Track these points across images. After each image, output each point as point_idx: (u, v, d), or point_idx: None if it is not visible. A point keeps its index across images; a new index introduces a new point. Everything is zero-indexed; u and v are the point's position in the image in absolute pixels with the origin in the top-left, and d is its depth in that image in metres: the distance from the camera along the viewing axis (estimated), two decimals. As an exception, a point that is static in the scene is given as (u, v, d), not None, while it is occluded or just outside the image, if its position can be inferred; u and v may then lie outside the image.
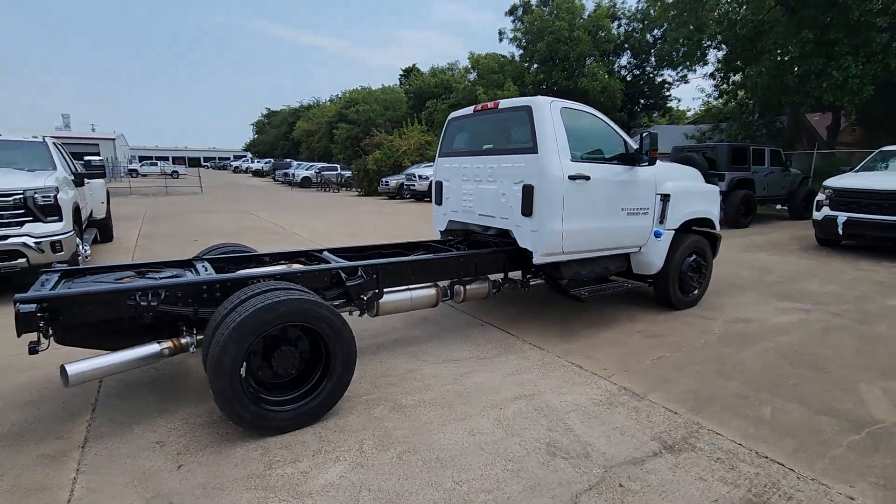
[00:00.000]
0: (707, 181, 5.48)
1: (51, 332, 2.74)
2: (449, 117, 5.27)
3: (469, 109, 4.94)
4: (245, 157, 76.36)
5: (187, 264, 3.79)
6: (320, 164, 36.34)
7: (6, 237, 5.38)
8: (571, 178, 4.05)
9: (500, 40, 30.84)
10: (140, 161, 59.40)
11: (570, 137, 4.20)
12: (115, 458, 2.55)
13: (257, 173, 52.16)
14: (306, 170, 35.55)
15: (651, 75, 32.04)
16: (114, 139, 50.76)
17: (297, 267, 3.77)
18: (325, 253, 4.19)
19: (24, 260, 5.45)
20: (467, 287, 4.28)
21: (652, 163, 4.45)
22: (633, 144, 4.60)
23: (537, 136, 4.04)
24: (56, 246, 5.70)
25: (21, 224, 5.52)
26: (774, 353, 3.97)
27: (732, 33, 16.50)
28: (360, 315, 3.82)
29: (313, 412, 2.86)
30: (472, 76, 32.18)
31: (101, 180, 10.30)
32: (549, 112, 4.07)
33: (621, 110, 28.91)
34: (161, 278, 3.27)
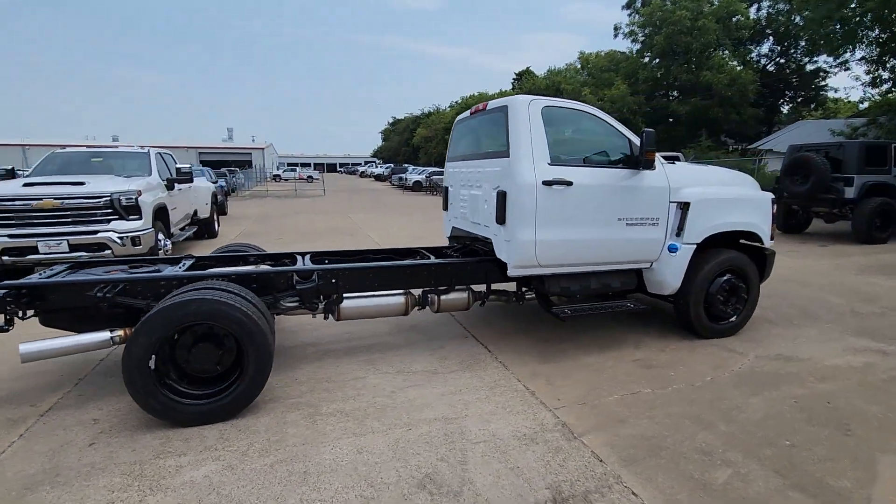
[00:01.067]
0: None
1: (29, 314, 3.23)
2: (455, 120, 5.11)
3: (468, 112, 4.74)
4: (373, 162, 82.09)
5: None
6: (431, 169, 37.62)
7: (96, 232, 6.46)
8: (546, 183, 3.67)
9: (616, 35, 29.07)
10: (284, 167, 67.03)
11: (555, 139, 3.82)
12: (54, 429, 2.91)
13: (378, 178, 55.70)
14: (418, 174, 37.08)
15: (800, 63, 27.70)
16: (263, 148, 58.11)
17: (262, 268, 3.95)
18: (306, 257, 4.32)
19: (110, 251, 6.49)
20: (441, 297, 4.10)
21: (648, 165, 3.83)
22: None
23: (510, 138, 3.74)
24: (135, 240, 6.68)
25: (108, 221, 6.58)
26: (794, 404, 3.17)
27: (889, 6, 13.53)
28: (324, 318, 3.88)
29: (225, 409, 2.97)
30: (584, 76, 30.79)
31: (209, 184, 11.86)
32: (525, 112, 3.73)
33: (756, 105, 25.39)
34: (141, 273, 3.66)
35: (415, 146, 64.12)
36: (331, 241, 10.23)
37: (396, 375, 3.66)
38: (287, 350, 4.17)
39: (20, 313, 3.18)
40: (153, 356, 2.82)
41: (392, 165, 57.26)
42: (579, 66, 30.80)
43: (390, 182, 44.76)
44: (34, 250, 6.25)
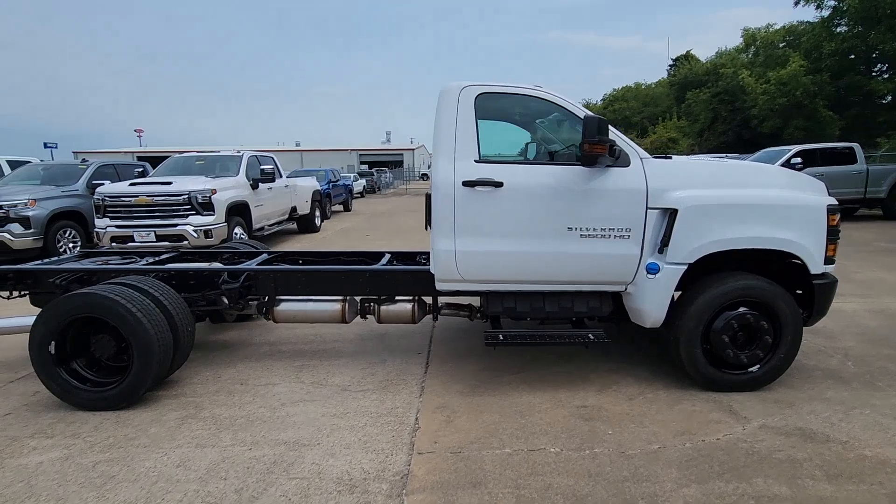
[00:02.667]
0: None
1: (22, 292, 3.80)
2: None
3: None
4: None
5: (213, 255, 4.63)
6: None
7: (176, 225, 7.48)
8: (468, 184, 3.11)
9: (796, 4, 24.16)
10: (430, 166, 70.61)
11: (492, 132, 3.23)
12: (4, 395, 3.38)
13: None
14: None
15: None
16: (414, 149, 61.90)
17: (214, 265, 4.07)
18: (259, 257, 4.38)
19: (186, 242, 7.46)
20: (382, 307, 3.77)
21: (588, 161, 2.96)
22: (623, 142, 3.17)
23: (434, 131, 3.25)
24: (208, 233, 7.58)
25: (186, 216, 7.56)
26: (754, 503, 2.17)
27: None
28: (265, 319, 3.88)
29: (109, 400, 3.11)
30: (749, 55, 26.25)
31: (312, 184, 12.93)
32: (454, 101, 3.21)
33: None
34: (111, 265, 4.08)
35: (560, 143, 62.09)
36: (414, 239, 10.19)
37: (307, 387, 3.46)
38: (240, 347, 4.27)
39: (7, 294, 3.75)
40: (52, 342, 3.09)
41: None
42: (743, 44, 26.23)
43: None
44: (132, 239, 7.48)
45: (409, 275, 3.73)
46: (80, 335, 3.22)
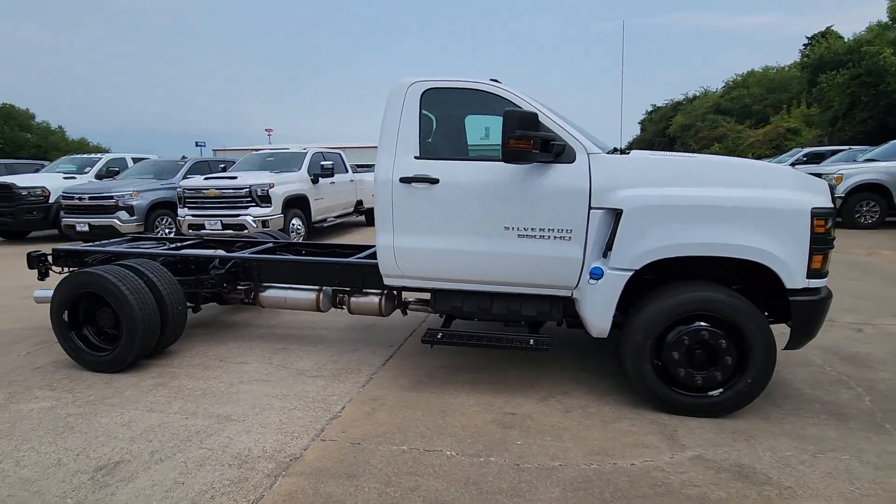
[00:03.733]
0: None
1: (59, 269, 4.54)
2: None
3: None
4: (626, 154, 76.85)
5: (229, 244, 5.16)
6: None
7: (238, 215, 8.32)
8: (405, 180, 3.12)
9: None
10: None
11: (436, 128, 3.20)
12: (43, 345, 4.10)
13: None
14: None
15: None
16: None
17: (218, 252, 4.50)
18: (261, 246, 4.74)
19: (247, 231, 8.28)
20: (351, 298, 3.92)
21: (510, 158, 2.76)
22: (570, 136, 2.97)
23: (380, 128, 3.29)
24: (265, 223, 8.34)
25: (247, 207, 8.37)
26: (612, 541, 1.95)
27: None
28: (252, 303, 4.23)
29: (106, 364, 3.61)
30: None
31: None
32: (401, 97, 3.23)
33: None
34: (135, 248, 4.70)
35: (670, 136, 57.44)
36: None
37: (272, 368, 3.73)
38: (240, 327, 4.70)
39: (60, 269, 4.50)
40: (66, 311, 3.67)
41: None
42: (888, 18, 22.05)
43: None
44: (203, 226, 8.47)
45: (373, 268, 3.81)
46: (91, 306, 3.79)
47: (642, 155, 3.06)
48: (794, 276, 2.65)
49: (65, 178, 11.25)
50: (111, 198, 9.27)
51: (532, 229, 2.97)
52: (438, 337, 3.22)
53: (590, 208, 2.88)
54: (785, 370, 3.42)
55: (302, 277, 3.99)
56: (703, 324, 2.76)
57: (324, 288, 4.00)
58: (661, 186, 2.80)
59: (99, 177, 11.40)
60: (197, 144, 34.15)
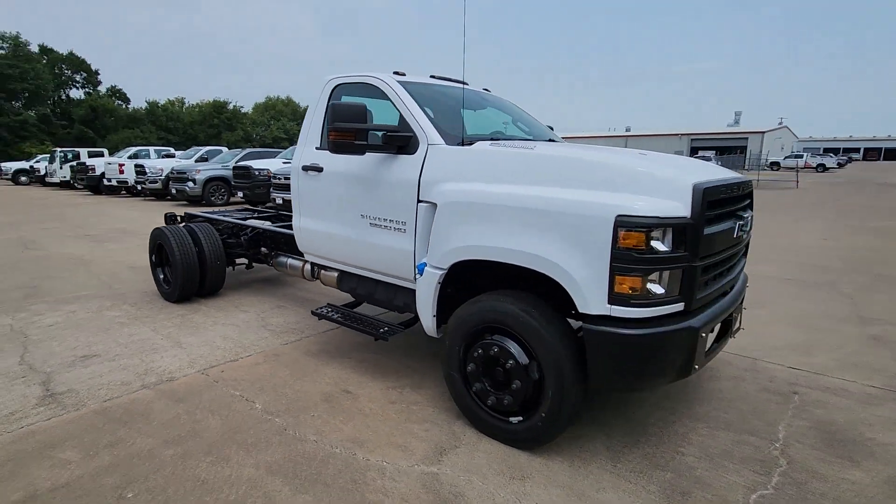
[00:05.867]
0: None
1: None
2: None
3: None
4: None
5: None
6: None
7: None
8: (304, 168, 3.52)
9: None
10: (797, 152, 56.70)
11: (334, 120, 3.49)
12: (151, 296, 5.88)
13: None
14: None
15: None
16: (763, 132, 51.15)
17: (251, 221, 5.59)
18: None
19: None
20: (322, 271, 4.50)
21: (334, 148, 2.79)
22: (419, 127, 2.94)
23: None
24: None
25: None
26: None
27: None
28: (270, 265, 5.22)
29: (168, 294, 5.06)
30: None
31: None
32: (320, 91, 3.61)
33: None
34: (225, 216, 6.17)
35: None
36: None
37: (252, 319, 4.60)
38: (283, 286, 5.74)
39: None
40: (154, 255, 5.24)
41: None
42: None
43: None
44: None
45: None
46: (163, 254, 5.31)
47: (483, 146, 2.74)
48: (586, 298, 2.12)
49: (284, 163, 14.68)
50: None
51: (378, 219, 3.04)
52: (324, 312, 3.55)
53: (418, 201, 2.80)
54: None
55: (288, 247, 4.73)
56: (494, 337, 2.44)
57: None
58: (476, 182, 2.55)
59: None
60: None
